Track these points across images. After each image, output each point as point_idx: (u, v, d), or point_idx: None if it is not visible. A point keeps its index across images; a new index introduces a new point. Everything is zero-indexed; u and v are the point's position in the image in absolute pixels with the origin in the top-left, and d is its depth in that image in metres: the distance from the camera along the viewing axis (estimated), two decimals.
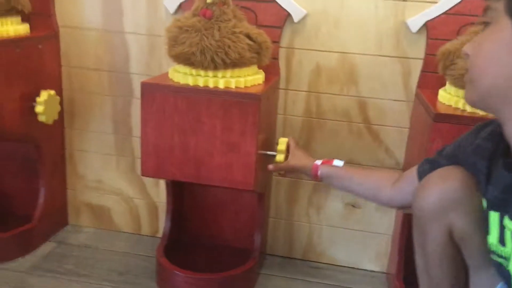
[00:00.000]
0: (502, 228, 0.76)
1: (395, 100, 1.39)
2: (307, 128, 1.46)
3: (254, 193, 1.41)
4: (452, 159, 0.90)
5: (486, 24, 0.73)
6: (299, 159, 1.23)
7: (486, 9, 0.73)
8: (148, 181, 1.61)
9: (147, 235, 1.66)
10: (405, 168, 1.39)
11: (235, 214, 1.53)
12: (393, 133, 1.41)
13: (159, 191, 1.61)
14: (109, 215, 1.67)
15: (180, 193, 1.51)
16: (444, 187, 0.88)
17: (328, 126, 1.44)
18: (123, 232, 1.67)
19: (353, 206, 1.50)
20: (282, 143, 1.26)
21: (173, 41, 1.19)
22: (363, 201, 1.49)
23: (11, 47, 1.31)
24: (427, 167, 0.94)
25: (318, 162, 1.19)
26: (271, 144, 1.39)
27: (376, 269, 1.53)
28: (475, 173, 0.85)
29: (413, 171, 0.98)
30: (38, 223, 1.52)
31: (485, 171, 0.81)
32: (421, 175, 0.94)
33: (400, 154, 1.42)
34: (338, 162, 1.18)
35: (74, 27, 1.50)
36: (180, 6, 1.40)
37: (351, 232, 1.52)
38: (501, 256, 0.78)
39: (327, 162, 1.19)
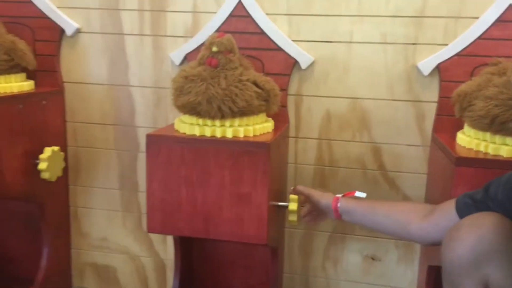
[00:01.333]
0: None
1: (410, 145, 1.34)
2: (320, 177, 1.40)
3: (267, 247, 1.34)
4: (504, 206, 0.82)
5: None
6: (318, 193, 1.17)
7: None
8: (156, 237, 1.54)
9: None
10: None
11: (247, 270, 1.44)
12: (410, 180, 1.35)
13: (166, 248, 1.53)
14: (115, 275, 1.59)
15: (189, 249, 1.43)
16: (477, 236, 0.80)
17: (341, 174, 1.39)
18: None
19: (373, 258, 1.41)
20: (293, 199, 1.20)
21: (179, 91, 1.16)
22: (383, 253, 1.40)
23: (14, 103, 1.29)
24: (470, 202, 0.86)
25: (339, 195, 1.14)
26: (282, 195, 1.33)
27: None
28: None
29: (450, 205, 0.91)
30: (41, 287, 1.44)
31: None
32: (462, 210, 0.87)
33: (419, 201, 1.35)
34: (360, 194, 1.12)
35: (79, 82, 1.49)
36: (186, 58, 1.38)
37: (371, 287, 1.43)
38: None
39: (349, 194, 1.14)
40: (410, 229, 0.98)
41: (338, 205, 1.12)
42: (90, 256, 1.59)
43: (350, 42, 1.32)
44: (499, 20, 1.22)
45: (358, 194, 1.13)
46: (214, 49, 1.14)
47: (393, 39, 1.29)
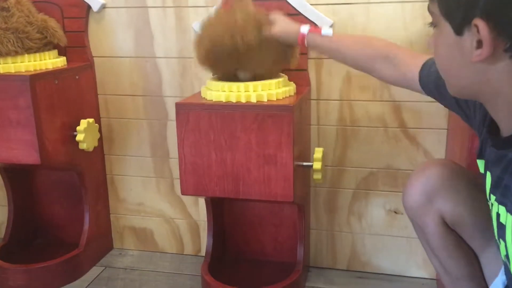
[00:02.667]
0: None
1: (430, 102, 1.36)
2: (342, 137, 1.45)
3: (294, 205, 1.41)
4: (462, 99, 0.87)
5: (434, 25, 0.73)
6: (282, 26, 1.17)
7: (429, 11, 0.73)
8: (188, 200, 1.63)
9: (190, 255, 1.67)
10: None
11: (276, 228, 1.53)
12: (430, 135, 1.39)
13: (199, 210, 1.62)
14: (152, 237, 1.69)
15: (220, 210, 1.52)
16: (425, 178, 0.91)
17: (363, 133, 1.43)
18: (166, 253, 1.69)
19: (395, 212, 1.47)
20: (318, 152, 1.26)
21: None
22: None
23: (50, 79, 1.37)
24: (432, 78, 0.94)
25: (305, 29, 1.13)
26: (307, 155, 1.39)
27: (426, 275, 1.49)
28: (475, 126, 0.84)
29: (415, 68, 0.98)
30: (85, 249, 1.55)
31: (480, 132, 0.82)
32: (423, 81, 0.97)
33: (440, 156, 1.39)
34: (327, 31, 1.12)
35: (107, 56, 1.55)
36: None
37: (395, 239, 1.49)
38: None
39: (315, 30, 1.13)
40: (377, 75, 1.08)
41: (305, 42, 1.13)
42: (128, 220, 1.70)
43: (368, 2, 1.34)
44: None
45: (324, 32, 1.12)
46: None
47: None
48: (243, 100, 1.18)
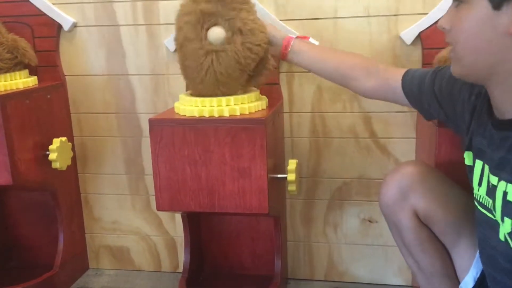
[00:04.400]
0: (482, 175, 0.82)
1: (398, 111, 1.41)
2: (315, 148, 1.48)
3: (270, 217, 1.42)
4: (445, 98, 0.94)
5: (459, 2, 0.77)
6: (271, 29, 1.18)
7: None
8: (164, 217, 1.62)
9: (168, 271, 1.66)
10: None
11: (253, 241, 1.53)
12: (400, 145, 1.43)
13: (175, 225, 1.62)
14: (129, 255, 1.68)
15: (196, 225, 1.52)
16: (399, 176, 0.97)
17: (335, 144, 1.46)
18: (144, 271, 1.67)
19: (370, 221, 1.50)
20: (291, 163, 1.28)
21: None
22: (379, 215, 1.48)
23: (21, 99, 1.36)
24: (415, 86, 1.01)
25: (292, 35, 1.19)
26: (281, 167, 1.40)
27: (402, 283, 1.52)
28: (459, 122, 0.91)
29: (397, 77, 1.05)
30: (60, 270, 1.53)
31: (467, 125, 0.88)
32: (405, 88, 1.04)
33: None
34: (314, 41, 1.19)
35: (80, 75, 1.55)
36: None
37: (371, 247, 1.52)
38: (485, 207, 0.82)
39: (303, 37, 1.19)
40: (354, 85, 1.11)
41: (291, 43, 1.15)
42: (103, 238, 1.68)
43: (335, 17, 1.38)
44: None
45: (312, 40, 1.19)
46: None
47: (375, 12, 1.35)
48: (216, 115, 1.19)
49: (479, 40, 0.74)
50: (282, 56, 1.18)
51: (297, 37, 1.19)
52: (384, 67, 1.10)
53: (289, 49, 1.16)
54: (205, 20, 1.14)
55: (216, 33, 1.14)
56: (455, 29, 0.78)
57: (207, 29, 1.14)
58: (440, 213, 0.94)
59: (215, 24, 1.14)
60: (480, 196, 0.83)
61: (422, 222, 0.96)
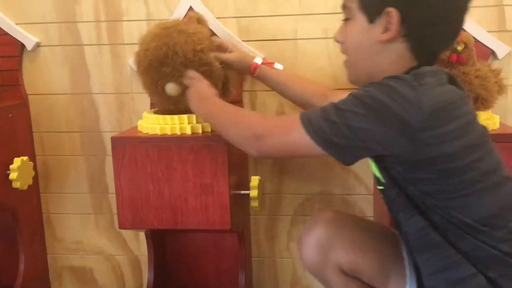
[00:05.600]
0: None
1: None
2: (278, 165, 1.51)
3: (234, 233, 1.44)
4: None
5: (347, 19, 0.93)
6: (239, 53, 1.26)
7: (344, 7, 0.94)
8: (128, 235, 1.61)
9: None
10: (375, 193, 1.45)
11: (218, 258, 1.54)
12: (360, 161, 1.47)
13: (139, 244, 1.61)
14: (92, 276, 1.65)
15: (160, 243, 1.52)
16: (315, 234, 0.98)
17: (297, 161, 1.50)
18: None
19: None
20: (254, 180, 1.31)
21: None
22: None
23: None
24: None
25: (258, 60, 1.25)
26: (244, 184, 1.43)
27: None
28: None
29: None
30: None
31: None
32: None
33: (369, 180, 1.48)
34: (278, 66, 1.26)
35: (43, 94, 1.55)
36: None
37: None
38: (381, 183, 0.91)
39: (268, 63, 1.26)
40: (318, 99, 1.19)
41: (257, 71, 1.24)
42: (66, 259, 1.65)
43: (295, 39, 1.43)
44: None
45: (277, 66, 1.26)
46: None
47: (334, 33, 1.40)
48: (178, 132, 1.21)
49: (360, 48, 0.91)
50: (250, 74, 1.26)
51: (262, 63, 1.25)
52: (337, 93, 1.17)
53: (257, 69, 1.24)
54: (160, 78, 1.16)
55: (171, 88, 1.17)
56: (345, 41, 0.94)
57: (162, 86, 1.17)
58: (364, 262, 0.95)
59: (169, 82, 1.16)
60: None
61: (349, 275, 0.97)
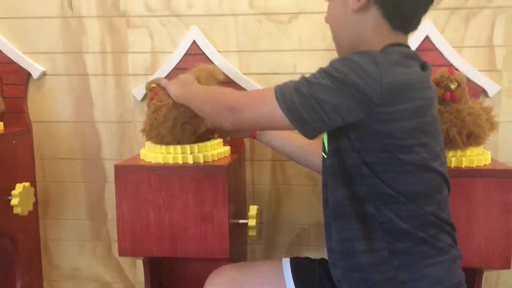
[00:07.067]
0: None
1: None
2: (275, 195, 1.54)
3: (231, 262, 1.45)
4: None
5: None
6: None
7: None
8: (125, 263, 1.62)
9: None
10: None
11: None
12: None
13: (136, 272, 1.62)
14: None
15: (158, 272, 1.52)
16: (215, 284, 1.13)
17: (294, 191, 1.53)
18: None
19: None
20: (252, 209, 1.33)
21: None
22: None
23: None
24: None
25: None
26: (242, 213, 1.45)
27: None
28: None
29: None
30: None
31: None
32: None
33: None
34: None
35: (46, 121, 1.58)
36: (147, 93, 1.50)
37: None
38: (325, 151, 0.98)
39: None
40: (315, 160, 1.21)
41: (258, 133, 1.26)
42: (62, 286, 1.65)
43: (294, 73, 1.48)
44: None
45: None
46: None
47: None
48: (180, 161, 1.24)
49: (339, 21, 0.98)
50: (253, 137, 1.28)
51: None
52: None
53: (258, 133, 1.27)
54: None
55: None
56: (329, 20, 1.01)
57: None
58: None
59: None
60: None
61: None
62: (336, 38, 1.01)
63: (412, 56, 0.92)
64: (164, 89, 1.24)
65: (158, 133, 1.23)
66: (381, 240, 0.90)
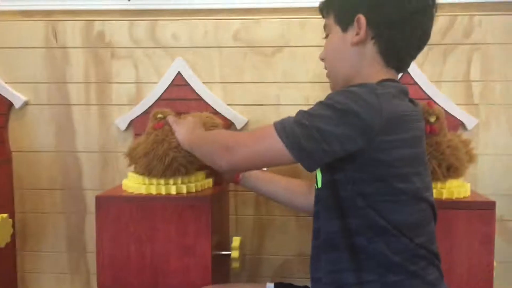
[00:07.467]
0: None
1: None
2: (258, 226, 1.53)
3: None
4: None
5: (327, 36, 1.04)
6: None
7: (324, 27, 1.05)
8: None
9: None
10: None
11: None
12: None
13: None
14: None
15: None
16: None
17: (277, 222, 1.53)
18: None
19: None
20: (235, 240, 1.32)
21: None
22: None
23: None
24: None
25: None
26: (225, 244, 1.44)
27: None
28: None
29: None
30: None
31: None
32: None
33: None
34: None
35: (27, 151, 1.56)
36: (130, 123, 1.51)
37: None
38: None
39: None
40: (301, 201, 1.23)
41: (241, 176, 1.25)
42: None
43: (278, 104, 1.50)
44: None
45: None
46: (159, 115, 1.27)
47: (314, 101, 1.48)
48: (163, 192, 1.23)
49: (336, 55, 1.01)
50: (235, 182, 1.28)
51: None
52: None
53: (240, 176, 1.26)
54: None
55: None
56: (326, 53, 1.04)
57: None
58: None
59: None
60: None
61: None
62: (332, 72, 1.04)
63: (405, 92, 0.96)
64: (169, 125, 1.23)
65: (149, 164, 1.22)
66: (373, 272, 0.90)
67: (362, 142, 0.86)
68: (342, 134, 0.85)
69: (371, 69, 0.97)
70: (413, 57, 1.00)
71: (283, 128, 0.89)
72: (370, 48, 0.96)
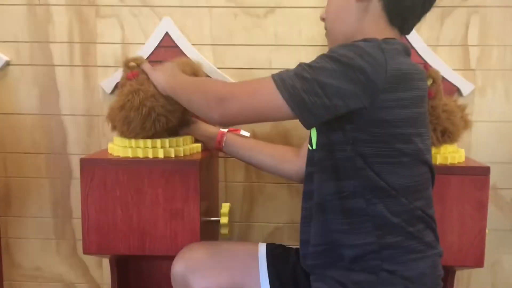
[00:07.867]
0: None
1: None
2: (249, 193, 1.50)
3: None
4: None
5: None
6: (204, 128, 1.26)
7: None
8: (91, 263, 1.56)
9: None
10: None
11: None
12: None
13: (102, 272, 1.56)
14: None
15: (125, 272, 1.46)
16: (183, 261, 1.09)
17: (268, 190, 1.50)
18: None
19: None
20: (224, 207, 1.29)
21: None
22: None
23: None
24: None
25: (224, 129, 1.24)
26: (214, 211, 1.41)
27: None
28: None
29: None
30: None
31: None
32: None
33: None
34: (245, 133, 1.26)
35: (9, 113, 1.50)
36: (116, 86, 1.45)
37: None
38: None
39: (234, 130, 1.25)
40: (288, 167, 1.19)
41: (224, 138, 1.22)
42: (24, 287, 1.57)
43: (270, 68, 1.45)
44: None
45: (243, 132, 1.26)
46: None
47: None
48: (150, 156, 1.19)
49: (341, 12, 0.97)
50: (217, 149, 1.24)
51: (228, 131, 1.25)
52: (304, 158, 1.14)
53: (223, 144, 1.23)
54: None
55: None
56: (327, 13, 1.01)
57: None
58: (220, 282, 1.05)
59: None
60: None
61: None
62: (332, 31, 1.00)
63: (408, 52, 0.93)
64: (145, 73, 1.16)
65: (126, 117, 1.15)
66: (371, 234, 0.89)
67: (366, 100, 0.82)
68: (346, 90, 0.81)
69: (375, 26, 0.93)
70: (416, 18, 0.97)
71: (282, 81, 0.84)
72: (375, 4, 0.93)
